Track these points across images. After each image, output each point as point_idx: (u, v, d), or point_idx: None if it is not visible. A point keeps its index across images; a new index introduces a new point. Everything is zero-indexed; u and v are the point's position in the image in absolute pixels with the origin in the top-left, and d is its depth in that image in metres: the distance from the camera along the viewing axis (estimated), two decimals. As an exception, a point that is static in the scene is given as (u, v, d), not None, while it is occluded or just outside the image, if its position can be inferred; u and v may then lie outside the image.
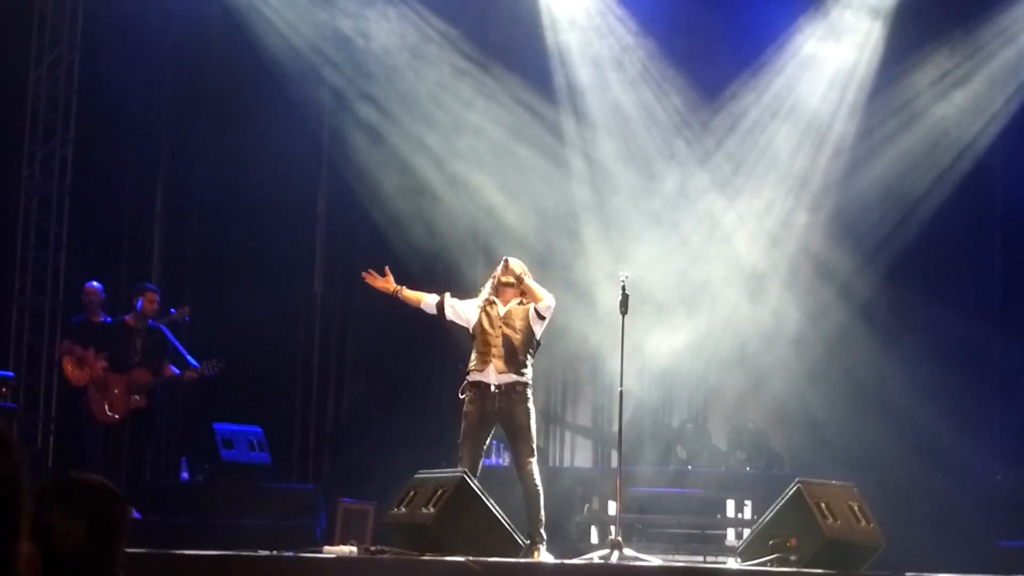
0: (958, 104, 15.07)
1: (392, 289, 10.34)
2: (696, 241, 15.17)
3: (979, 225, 15.11)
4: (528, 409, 9.98)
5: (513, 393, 9.95)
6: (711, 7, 15.42)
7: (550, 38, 15.42)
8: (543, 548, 9.77)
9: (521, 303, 10.09)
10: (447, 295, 10.34)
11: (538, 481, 9.92)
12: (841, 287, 14.91)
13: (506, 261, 10.22)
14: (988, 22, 14.97)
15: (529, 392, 10.03)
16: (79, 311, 13.58)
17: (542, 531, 9.81)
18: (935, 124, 15.10)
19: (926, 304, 14.65)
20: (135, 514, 12.69)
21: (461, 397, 10.06)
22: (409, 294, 10.38)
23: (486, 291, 10.26)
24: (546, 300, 10.04)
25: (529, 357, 10.07)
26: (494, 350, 9.99)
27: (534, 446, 10.03)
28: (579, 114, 15.47)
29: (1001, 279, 14.99)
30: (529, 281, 10.08)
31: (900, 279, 14.96)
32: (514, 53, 15.35)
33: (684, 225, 15.25)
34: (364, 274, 10.41)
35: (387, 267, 10.39)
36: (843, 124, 15.30)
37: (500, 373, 9.96)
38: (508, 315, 10.08)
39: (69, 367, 13.12)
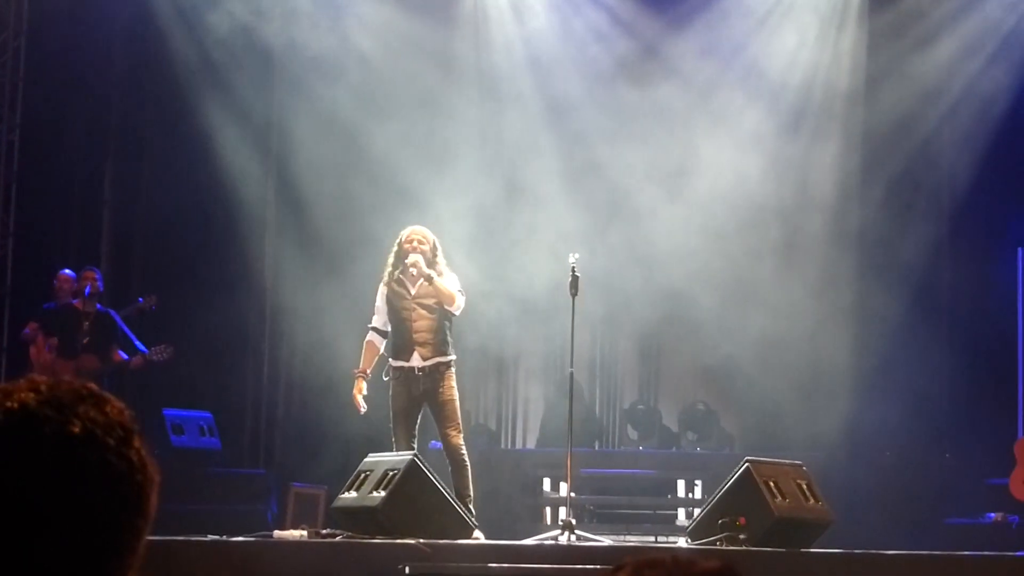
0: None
1: (365, 382, 10.17)
2: (646, 200, 14.88)
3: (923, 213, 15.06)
4: (452, 386, 10.03)
5: (436, 373, 9.99)
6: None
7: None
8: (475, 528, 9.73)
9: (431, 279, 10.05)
10: (369, 327, 10.28)
11: (465, 456, 9.95)
12: (794, 264, 14.89)
13: (414, 236, 10.14)
14: None
15: (453, 369, 10.06)
16: (51, 297, 13.54)
17: (471, 507, 9.81)
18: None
19: (875, 282, 14.70)
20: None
21: (386, 379, 10.09)
22: (367, 363, 10.23)
23: (389, 264, 10.20)
24: (457, 301, 10.03)
25: (448, 334, 10.07)
26: (416, 336, 9.98)
27: (459, 421, 10.07)
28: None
29: (949, 256, 15.03)
30: (438, 283, 9.99)
31: (852, 257, 14.99)
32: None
33: (634, 183, 14.96)
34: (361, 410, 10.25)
35: (357, 396, 10.17)
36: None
37: (425, 360, 9.99)
38: (421, 295, 10.05)
39: (31, 352, 13.17)
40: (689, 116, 14.92)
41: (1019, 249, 14.27)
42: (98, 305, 12.94)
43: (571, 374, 10.47)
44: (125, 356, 12.93)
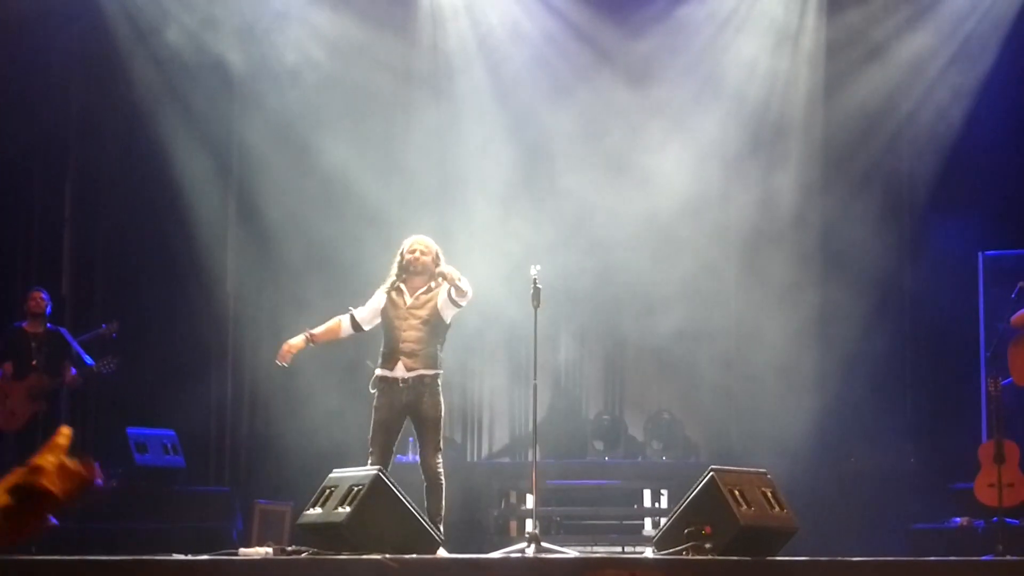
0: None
1: (304, 343, 10.16)
2: (607, 209, 14.84)
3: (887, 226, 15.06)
4: (438, 402, 9.91)
5: (421, 385, 9.88)
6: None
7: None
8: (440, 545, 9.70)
9: (429, 290, 10.01)
10: (351, 310, 10.22)
11: (441, 476, 9.88)
12: (757, 271, 14.89)
13: (416, 246, 10.12)
14: None
15: (439, 384, 9.97)
16: (21, 316, 13.46)
17: (441, 527, 9.76)
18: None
19: (838, 288, 14.70)
20: (51, 519, 12.55)
21: (372, 391, 10.02)
22: (322, 333, 10.20)
23: (392, 273, 10.15)
24: (468, 293, 9.96)
25: (439, 349, 10.00)
26: (403, 346, 9.91)
27: (441, 439, 9.97)
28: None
29: (911, 261, 15.03)
30: (462, 285, 9.94)
31: (814, 263, 15.00)
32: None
33: (589, 183, 14.92)
34: (279, 362, 10.19)
35: (286, 344, 10.15)
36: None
37: (409, 371, 9.91)
38: (416, 305, 10.00)
39: None
40: (649, 124, 14.93)
41: (979, 254, 14.32)
42: (48, 324, 12.93)
43: (535, 386, 10.43)
44: (76, 372, 12.92)
